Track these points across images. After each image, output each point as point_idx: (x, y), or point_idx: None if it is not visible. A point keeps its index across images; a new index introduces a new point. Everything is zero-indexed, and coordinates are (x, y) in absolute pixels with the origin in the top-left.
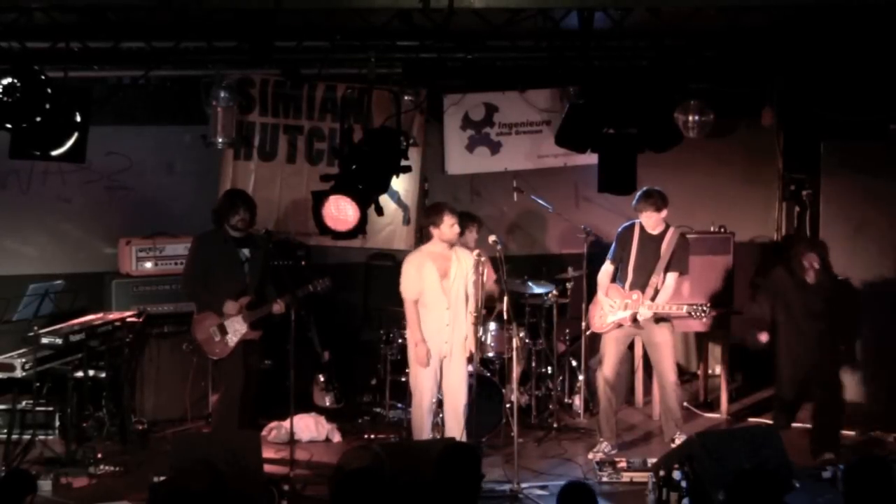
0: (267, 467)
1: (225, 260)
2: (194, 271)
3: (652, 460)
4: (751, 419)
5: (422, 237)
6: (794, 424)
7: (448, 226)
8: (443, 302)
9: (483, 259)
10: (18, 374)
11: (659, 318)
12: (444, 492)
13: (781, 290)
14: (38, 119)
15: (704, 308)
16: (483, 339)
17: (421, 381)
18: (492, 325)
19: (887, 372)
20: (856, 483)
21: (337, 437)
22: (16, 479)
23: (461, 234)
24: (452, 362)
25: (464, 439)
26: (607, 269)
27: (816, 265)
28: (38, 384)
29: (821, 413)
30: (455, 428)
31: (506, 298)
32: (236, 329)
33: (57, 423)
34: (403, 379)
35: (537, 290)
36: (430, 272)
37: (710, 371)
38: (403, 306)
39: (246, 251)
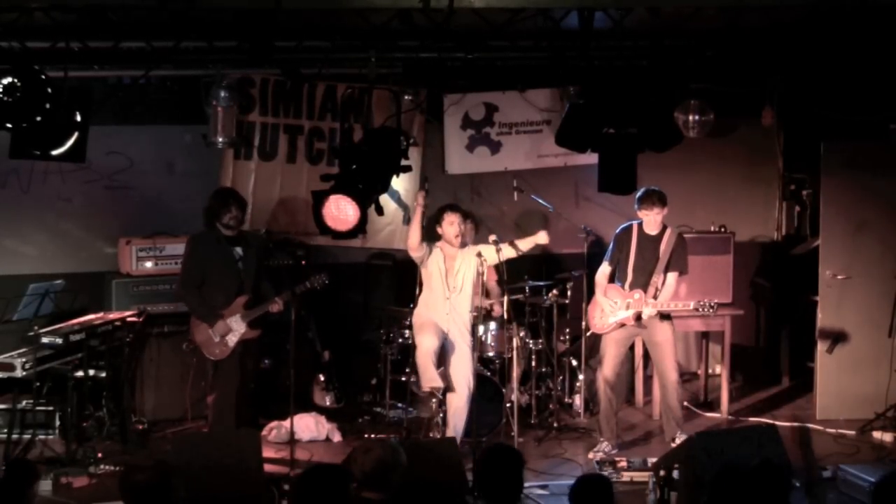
0: (267, 467)
1: (220, 260)
2: (190, 276)
3: (652, 460)
4: (751, 419)
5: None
6: (795, 424)
7: (448, 223)
8: (443, 291)
9: (483, 259)
10: (18, 373)
11: (662, 317)
12: (484, 495)
13: None
14: (38, 119)
15: (711, 304)
16: (483, 339)
17: (423, 334)
18: (492, 325)
19: (884, 372)
20: (885, 498)
21: (337, 437)
22: (19, 469)
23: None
24: (456, 355)
25: (461, 437)
26: (604, 270)
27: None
28: (38, 384)
29: None
30: (456, 425)
31: (506, 298)
32: (235, 330)
33: (57, 423)
34: (403, 379)
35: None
36: (438, 261)
37: (710, 371)
38: (406, 306)
39: (239, 250)
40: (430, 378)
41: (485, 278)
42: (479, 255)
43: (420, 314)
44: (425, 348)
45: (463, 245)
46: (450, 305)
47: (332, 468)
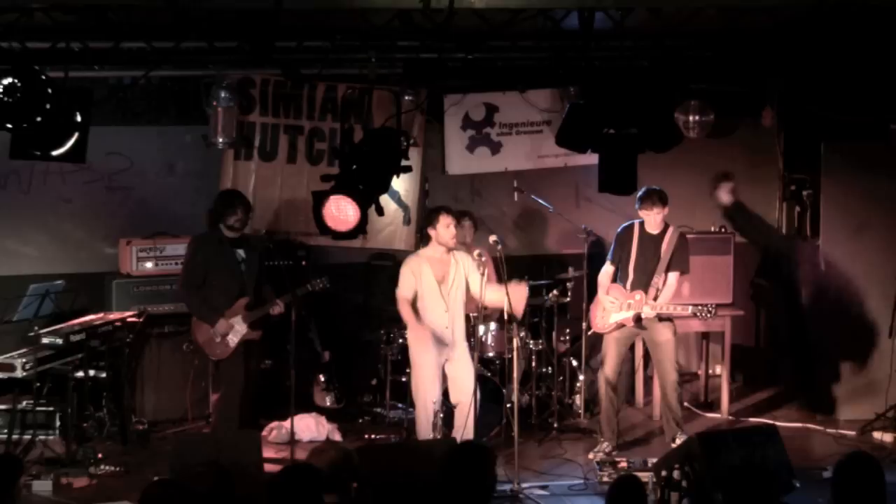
0: (267, 467)
1: (223, 261)
2: (192, 277)
3: (652, 460)
4: (751, 419)
5: (422, 238)
6: (795, 424)
7: (444, 226)
8: (441, 305)
9: (484, 259)
10: (19, 374)
11: (662, 318)
12: (451, 494)
13: None
14: (39, 119)
15: (710, 309)
16: (483, 339)
17: (424, 382)
18: (492, 325)
19: (884, 372)
20: (846, 479)
21: (337, 438)
22: (6, 462)
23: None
24: (456, 364)
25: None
26: (607, 269)
27: None
28: (38, 384)
29: None
30: (461, 426)
31: (506, 299)
32: (236, 330)
33: (57, 424)
34: (404, 379)
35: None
36: (428, 277)
37: (710, 371)
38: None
39: (241, 252)
40: (423, 432)
41: (485, 279)
42: (480, 254)
43: (417, 339)
44: (426, 403)
45: (460, 244)
46: (449, 317)
47: (304, 468)
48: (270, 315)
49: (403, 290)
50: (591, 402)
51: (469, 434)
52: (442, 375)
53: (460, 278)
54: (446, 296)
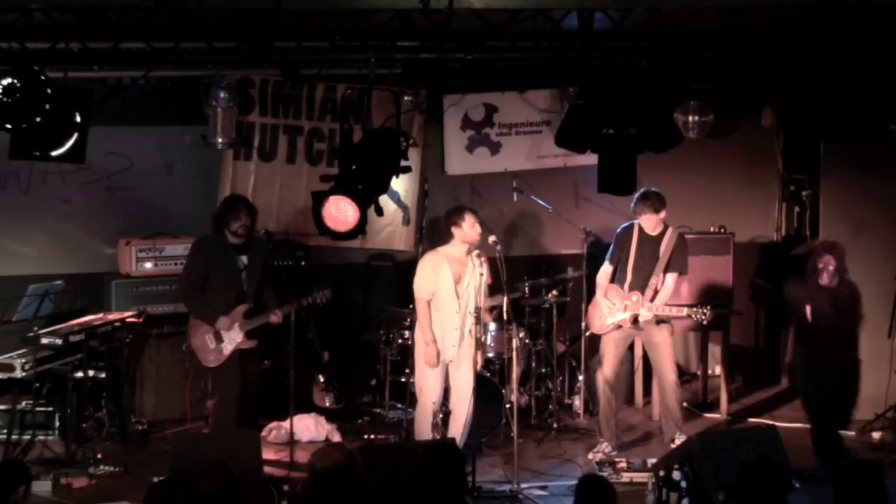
0: (267, 468)
1: (223, 267)
2: (192, 278)
3: (652, 460)
4: (751, 419)
5: (422, 238)
6: (795, 424)
7: (469, 225)
8: (454, 306)
9: (482, 259)
10: (18, 374)
11: (659, 319)
12: (427, 493)
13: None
14: (38, 119)
15: (705, 310)
16: (483, 339)
17: (427, 381)
18: (492, 326)
19: (884, 372)
20: (848, 486)
21: (337, 438)
22: (9, 469)
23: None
24: (460, 367)
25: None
26: (606, 270)
27: (832, 268)
28: (37, 384)
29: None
30: (456, 432)
31: (506, 299)
32: (232, 337)
33: (57, 424)
34: (403, 379)
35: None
36: (446, 274)
37: (709, 371)
38: (406, 307)
39: (244, 258)
40: (423, 433)
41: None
42: (479, 255)
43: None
44: (428, 405)
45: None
46: (460, 319)
47: (342, 470)
48: (269, 324)
49: (422, 292)
50: (590, 402)
51: (458, 439)
52: (445, 374)
53: (475, 279)
54: (460, 296)
